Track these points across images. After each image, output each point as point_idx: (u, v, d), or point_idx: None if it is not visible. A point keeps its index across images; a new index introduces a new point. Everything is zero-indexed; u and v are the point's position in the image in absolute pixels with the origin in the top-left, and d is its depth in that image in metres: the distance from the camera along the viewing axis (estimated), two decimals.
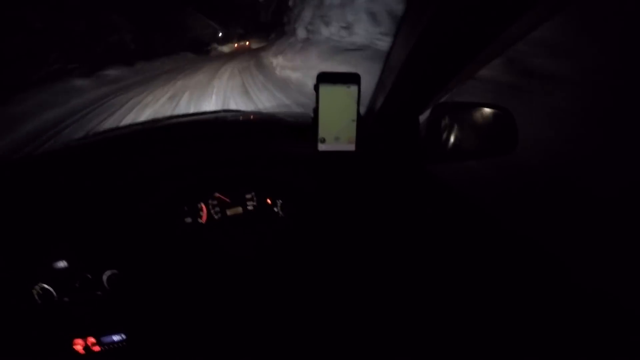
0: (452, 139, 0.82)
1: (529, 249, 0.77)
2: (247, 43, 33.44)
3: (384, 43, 6.81)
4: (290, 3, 13.33)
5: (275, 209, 0.90)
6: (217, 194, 0.88)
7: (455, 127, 0.83)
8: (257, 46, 27.82)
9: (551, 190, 1.80)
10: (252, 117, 1.21)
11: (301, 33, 11.10)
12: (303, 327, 0.89)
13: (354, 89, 0.66)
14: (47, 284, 0.79)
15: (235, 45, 34.13)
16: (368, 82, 0.76)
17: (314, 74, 0.66)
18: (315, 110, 0.67)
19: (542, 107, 2.63)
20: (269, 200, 0.90)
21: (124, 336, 0.86)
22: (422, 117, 0.80)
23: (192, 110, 6.31)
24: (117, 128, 1.23)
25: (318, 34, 9.95)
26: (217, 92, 7.99)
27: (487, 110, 0.83)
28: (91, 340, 0.84)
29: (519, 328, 0.72)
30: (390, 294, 0.84)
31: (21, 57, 9.74)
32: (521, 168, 1.69)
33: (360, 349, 0.85)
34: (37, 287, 0.79)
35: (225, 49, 31.52)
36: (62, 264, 0.80)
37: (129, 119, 6.42)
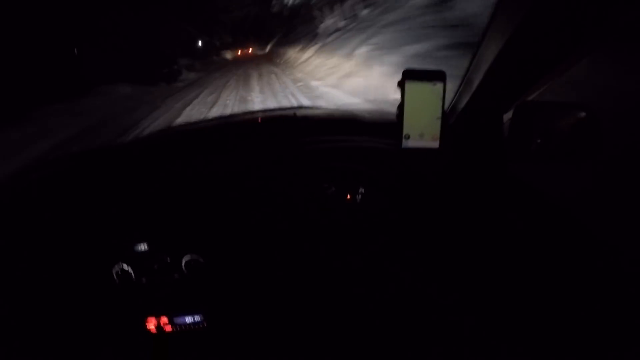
0: (535, 139, 0.81)
1: (615, 259, 0.74)
2: (250, 50, 33.70)
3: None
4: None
5: (358, 197, 0.88)
6: (297, 184, 0.88)
7: (539, 127, 0.81)
8: (261, 52, 28.07)
9: None
10: (331, 112, 1.21)
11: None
12: (384, 321, 0.88)
13: (439, 86, 0.67)
14: (127, 265, 0.83)
15: (239, 52, 34.34)
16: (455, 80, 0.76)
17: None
18: (401, 106, 0.69)
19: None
20: (349, 195, 0.88)
21: (197, 318, 0.88)
22: (506, 117, 0.80)
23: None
24: (192, 123, 1.29)
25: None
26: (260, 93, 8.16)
27: (571, 111, 0.81)
28: (164, 320, 0.87)
29: (603, 336, 0.70)
30: (469, 293, 0.82)
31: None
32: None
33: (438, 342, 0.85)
34: (117, 267, 0.82)
35: (228, 55, 31.37)
36: (142, 246, 0.83)
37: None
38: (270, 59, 20.30)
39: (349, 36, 10.43)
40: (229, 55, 31.70)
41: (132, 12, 13.85)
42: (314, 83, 8.41)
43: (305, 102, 6.42)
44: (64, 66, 9.65)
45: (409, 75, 0.68)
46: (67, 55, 10.35)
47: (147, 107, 8.22)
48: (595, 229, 0.75)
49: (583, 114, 0.80)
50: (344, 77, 7.73)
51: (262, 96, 7.84)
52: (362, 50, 8.41)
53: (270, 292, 0.89)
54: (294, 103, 6.37)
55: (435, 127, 0.70)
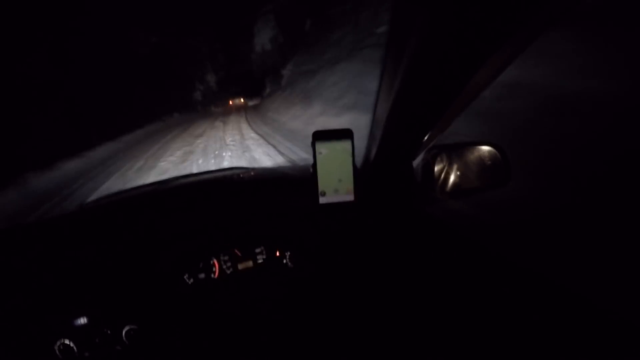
0: (447, 179, 0.86)
1: (529, 279, 0.78)
2: (242, 100, 34.25)
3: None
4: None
5: (284, 261, 0.92)
6: (227, 249, 0.92)
7: (449, 167, 0.87)
8: (253, 103, 28.72)
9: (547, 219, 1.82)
10: (256, 174, 1.26)
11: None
12: None
13: (347, 143, 0.71)
14: (68, 340, 0.82)
15: (230, 102, 35.11)
16: (364, 136, 0.82)
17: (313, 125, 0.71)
18: (314, 166, 0.72)
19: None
20: (277, 253, 0.93)
21: None
22: (417, 162, 0.84)
23: (208, 166, 6.50)
24: (129, 190, 1.29)
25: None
26: (231, 147, 8.28)
27: (478, 147, 0.88)
28: None
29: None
30: (397, 331, 0.84)
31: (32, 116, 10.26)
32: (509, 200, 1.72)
33: None
34: (58, 343, 0.81)
35: (219, 109, 32.03)
36: (82, 320, 0.83)
37: (140, 180, 6.60)
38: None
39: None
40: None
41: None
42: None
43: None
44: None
45: (318, 137, 0.71)
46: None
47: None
48: (506, 255, 0.79)
49: (490, 149, 0.87)
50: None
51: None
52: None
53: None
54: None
55: (349, 182, 0.72)
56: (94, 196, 5.81)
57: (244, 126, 12.36)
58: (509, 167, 0.86)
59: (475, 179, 0.88)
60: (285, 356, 0.88)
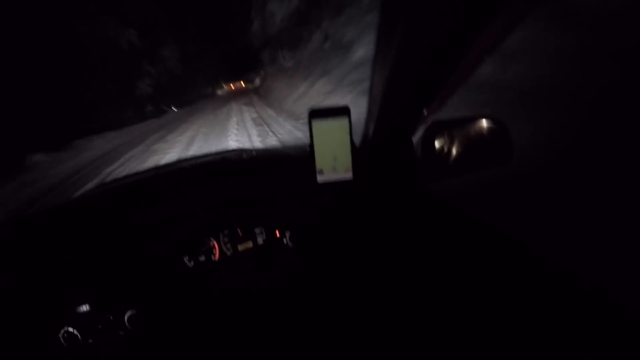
0: (448, 155, 0.84)
1: (532, 257, 0.78)
2: (243, 84, 34.45)
3: None
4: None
5: (284, 241, 0.92)
6: (227, 230, 0.92)
7: (450, 143, 0.85)
8: (252, 86, 28.70)
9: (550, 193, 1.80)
10: (255, 154, 1.25)
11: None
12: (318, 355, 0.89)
13: (344, 120, 0.70)
14: (72, 327, 0.84)
15: (232, 86, 35.19)
16: (361, 112, 0.80)
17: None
18: (311, 145, 0.71)
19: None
20: (277, 233, 0.92)
21: None
22: (417, 138, 0.83)
23: (212, 149, 6.52)
24: (128, 176, 1.29)
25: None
26: (236, 129, 8.27)
27: (479, 122, 0.85)
28: None
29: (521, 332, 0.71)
30: (399, 311, 0.85)
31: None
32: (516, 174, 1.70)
33: None
34: (62, 331, 0.84)
35: (221, 91, 32.55)
36: (84, 307, 0.84)
37: (145, 166, 6.67)
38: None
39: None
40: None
41: None
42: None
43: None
44: None
45: (314, 115, 0.70)
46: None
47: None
48: (513, 232, 0.78)
49: (491, 124, 0.85)
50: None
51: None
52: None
53: (209, 339, 0.89)
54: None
55: (347, 159, 0.71)
56: (94, 183, 5.86)
57: None
58: (511, 143, 0.84)
59: (477, 155, 0.86)
60: (286, 336, 0.89)
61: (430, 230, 0.86)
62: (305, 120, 0.81)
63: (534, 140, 2.16)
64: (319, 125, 0.70)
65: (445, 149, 0.84)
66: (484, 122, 0.85)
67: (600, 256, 1.36)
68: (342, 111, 0.70)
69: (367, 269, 0.88)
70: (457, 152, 0.85)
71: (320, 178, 0.72)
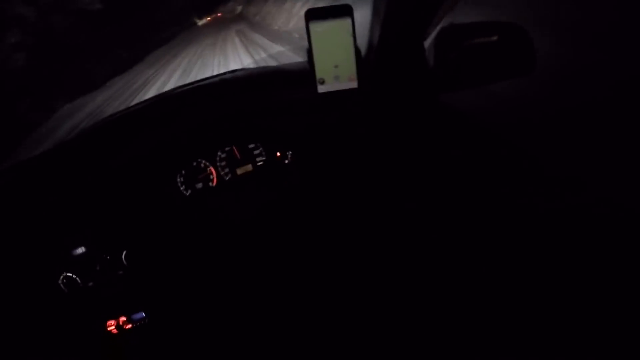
0: (462, 63, 0.77)
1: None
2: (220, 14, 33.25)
3: None
4: None
5: (285, 162, 0.89)
6: (224, 153, 0.88)
7: (466, 50, 0.77)
8: (232, 15, 27.54)
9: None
10: (252, 72, 1.17)
11: None
12: (317, 290, 0.90)
13: (347, 21, 0.62)
14: (71, 272, 0.84)
15: (219, 14, 33.61)
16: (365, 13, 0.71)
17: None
18: (309, 50, 0.64)
19: None
20: (278, 154, 0.88)
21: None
22: (429, 43, 0.75)
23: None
24: (127, 108, 1.24)
25: None
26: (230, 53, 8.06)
27: (499, 28, 0.77)
28: (122, 319, 0.89)
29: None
30: (408, 236, 0.83)
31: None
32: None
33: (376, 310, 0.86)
34: (61, 277, 0.83)
35: (208, 17, 31.36)
36: (80, 250, 0.83)
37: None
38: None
39: None
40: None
41: None
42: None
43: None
44: None
45: (312, 15, 0.62)
46: None
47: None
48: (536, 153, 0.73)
49: (511, 32, 0.76)
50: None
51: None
52: None
53: (209, 271, 0.90)
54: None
55: (351, 66, 0.65)
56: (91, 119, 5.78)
57: None
58: (534, 53, 0.76)
59: (495, 64, 0.78)
60: (288, 265, 0.89)
61: (442, 146, 0.80)
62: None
63: (561, 52, 1.99)
64: (317, 27, 0.63)
65: (460, 56, 0.77)
66: (505, 28, 0.77)
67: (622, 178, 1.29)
68: (344, 10, 0.62)
69: (375, 189, 0.84)
70: (473, 60, 0.77)
71: (321, 88, 0.66)
